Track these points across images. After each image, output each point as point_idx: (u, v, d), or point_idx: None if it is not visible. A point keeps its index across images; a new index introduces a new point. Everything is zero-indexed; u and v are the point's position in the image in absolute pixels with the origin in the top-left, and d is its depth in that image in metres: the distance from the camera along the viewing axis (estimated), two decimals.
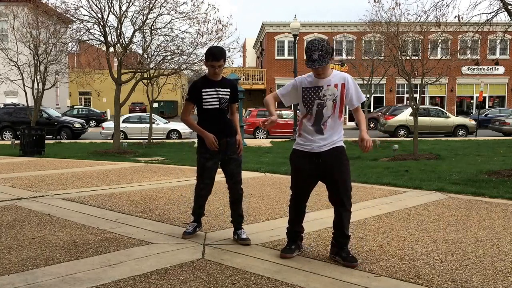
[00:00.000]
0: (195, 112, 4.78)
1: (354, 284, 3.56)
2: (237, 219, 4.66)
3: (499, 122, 25.79)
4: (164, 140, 21.81)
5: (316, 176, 4.05)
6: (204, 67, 14.10)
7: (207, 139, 4.49)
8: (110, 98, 35.89)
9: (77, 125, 24.37)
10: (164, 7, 14.69)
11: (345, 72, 4.48)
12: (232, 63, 17.90)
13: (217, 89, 4.54)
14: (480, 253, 4.29)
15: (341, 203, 4.01)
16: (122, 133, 21.12)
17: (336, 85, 3.96)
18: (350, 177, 4.08)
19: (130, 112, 36.40)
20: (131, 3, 14.50)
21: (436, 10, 10.60)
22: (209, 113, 4.54)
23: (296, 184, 4.16)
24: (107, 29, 14.54)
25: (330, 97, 3.95)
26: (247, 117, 25.07)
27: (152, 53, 16.21)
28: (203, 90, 4.52)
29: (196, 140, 4.79)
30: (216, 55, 4.46)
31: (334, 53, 3.96)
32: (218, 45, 15.62)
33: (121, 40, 14.83)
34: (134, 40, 15.35)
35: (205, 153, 4.57)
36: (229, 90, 4.60)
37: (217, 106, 4.53)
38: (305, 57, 3.95)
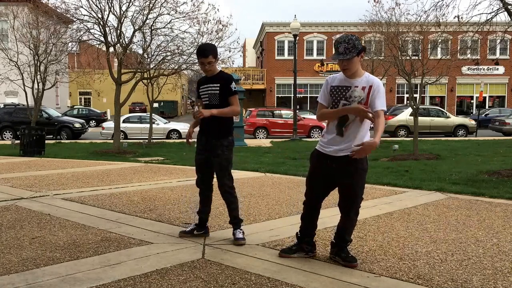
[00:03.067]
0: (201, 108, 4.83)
1: (354, 284, 3.56)
2: (232, 220, 4.69)
3: (499, 122, 25.78)
4: (164, 140, 21.79)
5: (331, 179, 3.99)
6: None
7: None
8: (110, 98, 35.89)
9: (77, 125, 24.34)
10: (164, 7, 14.70)
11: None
12: (233, 63, 17.92)
13: (208, 85, 4.63)
14: (480, 253, 4.29)
15: (346, 211, 4.00)
16: (122, 133, 21.11)
17: (363, 88, 3.83)
18: (363, 187, 4.00)
19: (130, 112, 36.36)
20: (131, 3, 14.50)
21: (436, 10, 10.61)
22: (204, 109, 4.62)
23: (310, 182, 4.14)
24: (107, 29, 14.53)
25: (356, 99, 3.82)
26: (247, 117, 25.01)
27: (152, 53, 16.21)
28: (200, 87, 4.72)
29: (196, 140, 4.81)
30: (203, 52, 4.52)
31: (365, 52, 3.84)
32: (218, 45, 15.67)
33: (121, 40, 14.82)
34: (134, 40, 15.35)
35: (196, 148, 4.75)
36: (218, 84, 4.59)
37: (207, 102, 4.64)
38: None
